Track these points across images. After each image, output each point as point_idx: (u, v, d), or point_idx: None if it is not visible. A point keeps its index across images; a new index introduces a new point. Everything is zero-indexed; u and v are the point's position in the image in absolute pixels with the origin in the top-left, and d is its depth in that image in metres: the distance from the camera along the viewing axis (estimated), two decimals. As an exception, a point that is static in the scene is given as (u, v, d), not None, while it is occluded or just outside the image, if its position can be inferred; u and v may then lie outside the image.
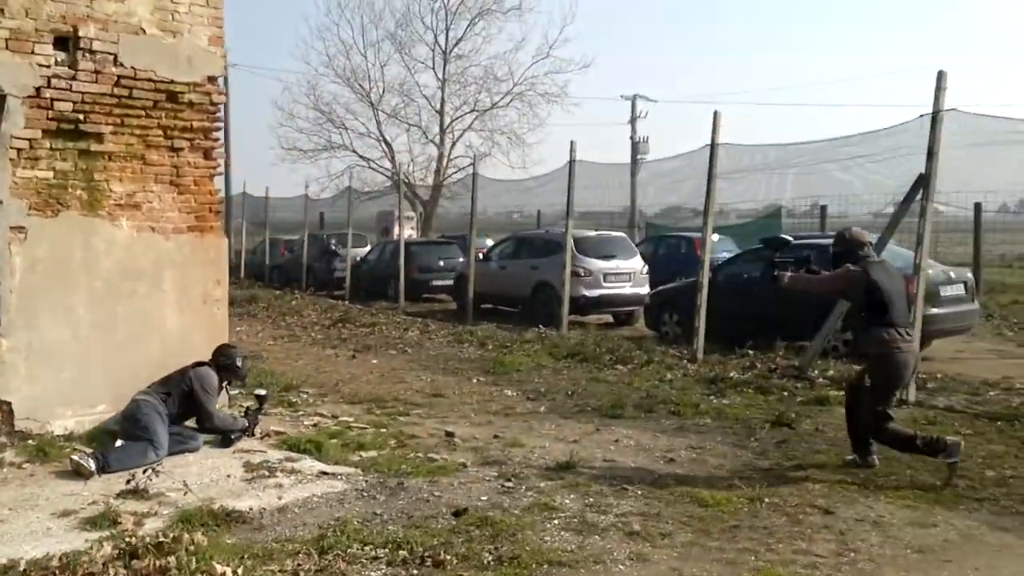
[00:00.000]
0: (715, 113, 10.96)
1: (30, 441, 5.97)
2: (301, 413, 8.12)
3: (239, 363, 6.73)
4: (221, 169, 7.08)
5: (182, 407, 6.32)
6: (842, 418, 7.77)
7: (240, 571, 3.95)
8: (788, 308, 11.27)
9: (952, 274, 11.98)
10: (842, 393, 8.73)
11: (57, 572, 3.94)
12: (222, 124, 7.10)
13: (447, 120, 37.18)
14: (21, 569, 3.98)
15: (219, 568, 3.92)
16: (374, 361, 11.68)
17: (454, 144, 37.32)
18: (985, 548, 4.76)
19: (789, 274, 6.18)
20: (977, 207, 18.91)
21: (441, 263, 21.56)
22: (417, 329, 14.86)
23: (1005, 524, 5.13)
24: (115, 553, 4.14)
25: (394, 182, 35.78)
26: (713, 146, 10.99)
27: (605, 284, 15.86)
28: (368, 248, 25.70)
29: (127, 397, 6.34)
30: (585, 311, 15.74)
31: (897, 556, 4.62)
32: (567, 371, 10.58)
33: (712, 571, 4.38)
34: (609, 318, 16.72)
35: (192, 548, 4.15)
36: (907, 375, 6.19)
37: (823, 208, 21.84)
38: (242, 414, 6.80)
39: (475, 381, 10.04)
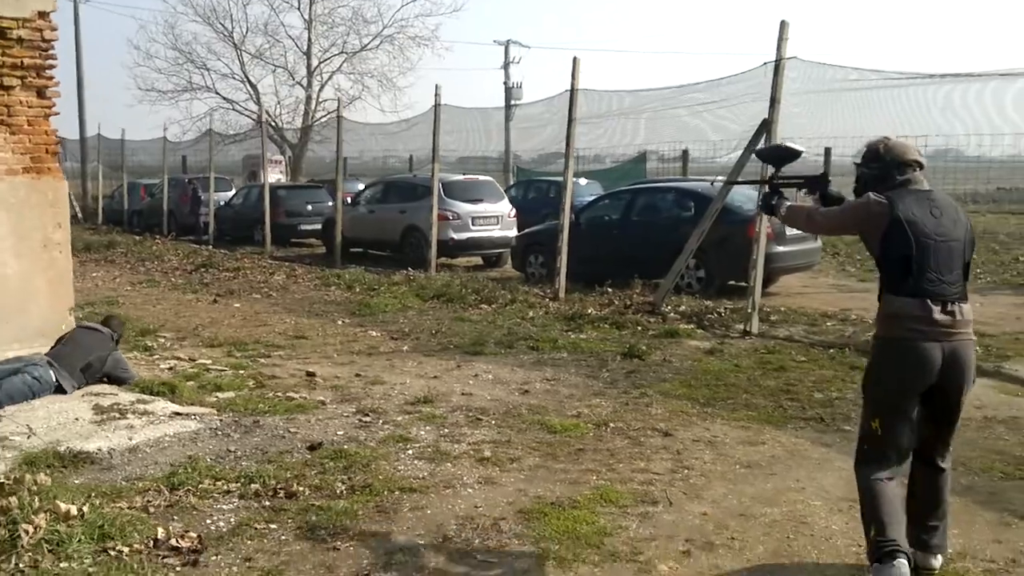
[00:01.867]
0: (574, 59, 11.17)
1: None
2: (157, 357, 7.99)
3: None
4: (58, 109, 6.76)
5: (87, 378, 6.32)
6: (690, 349, 8.31)
7: (87, 508, 3.95)
8: (645, 248, 11.81)
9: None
10: (692, 326, 9.31)
11: None
12: (56, 62, 6.74)
13: (315, 62, 36.17)
14: None
15: (63, 506, 3.90)
16: (237, 305, 11.51)
17: (322, 87, 36.42)
18: (807, 462, 5.22)
19: (789, 203, 4.06)
20: (827, 151, 20.02)
21: (309, 207, 21.24)
22: (283, 273, 14.68)
23: (827, 440, 5.62)
24: (-47, 497, 4.06)
25: (258, 124, 34.76)
26: (573, 91, 11.21)
27: (473, 227, 16.03)
28: (233, 192, 24.99)
29: (-35, 345, 6.10)
30: (454, 254, 15.91)
31: (727, 471, 5.02)
32: (432, 312, 10.74)
33: (555, 490, 4.65)
34: (479, 261, 16.94)
35: (35, 488, 4.12)
36: (926, 378, 3.51)
37: (685, 152, 22.60)
38: None
39: (340, 323, 10.07)
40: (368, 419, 5.98)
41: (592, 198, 16.22)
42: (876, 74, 11.78)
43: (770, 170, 4.34)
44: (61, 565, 3.56)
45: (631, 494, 4.61)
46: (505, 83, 43.10)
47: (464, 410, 6.25)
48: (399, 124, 21.19)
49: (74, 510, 3.91)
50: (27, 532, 3.68)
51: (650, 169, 24.52)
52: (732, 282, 11.56)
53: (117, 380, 6.47)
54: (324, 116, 35.62)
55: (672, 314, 9.81)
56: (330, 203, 20.96)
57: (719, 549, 3.97)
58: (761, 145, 4.61)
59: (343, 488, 4.60)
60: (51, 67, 6.74)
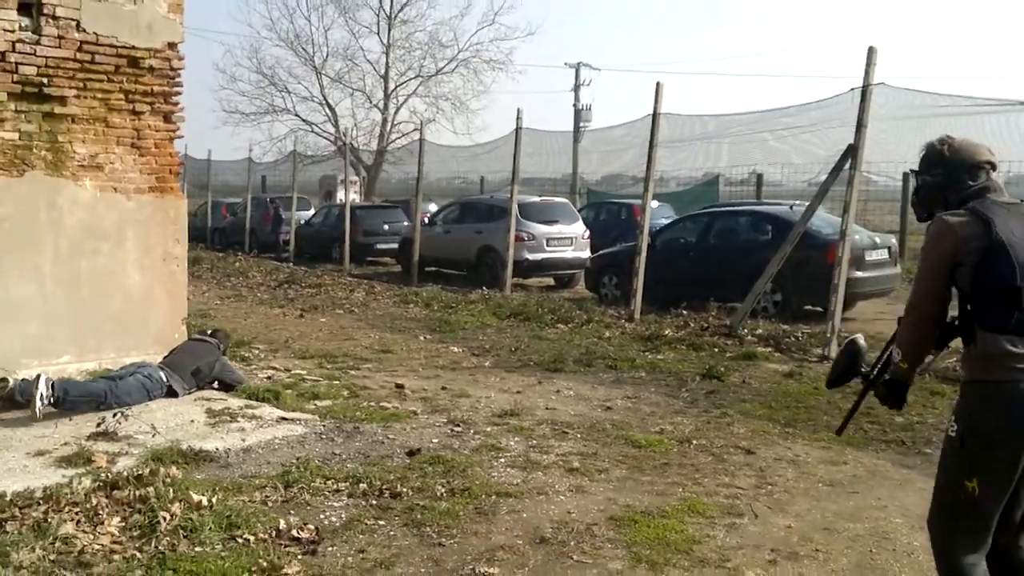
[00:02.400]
0: (657, 84, 11.42)
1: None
2: (254, 367, 8.42)
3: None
4: (181, 133, 7.31)
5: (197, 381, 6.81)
6: (768, 372, 8.44)
7: (215, 500, 4.32)
8: (721, 271, 11.95)
9: (877, 239, 12.70)
10: (769, 349, 9.42)
11: (41, 502, 4.26)
12: (181, 89, 7.29)
13: (391, 85, 37.18)
14: (8, 499, 4.29)
15: (196, 497, 4.28)
16: (322, 320, 11.99)
17: (398, 110, 37.40)
18: (889, 482, 5.34)
19: (891, 357, 3.12)
20: (905, 176, 19.86)
21: (386, 227, 21.82)
22: (363, 290, 15.16)
23: (908, 463, 5.72)
24: (95, 486, 4.47)
25: (338, 147, 35.76)
26: (655, 116, 11.45)
27: (547, 248, 16.32)
28: (312, 212, 25.78)
29: (91, 349, 6.64)
30: (528, 274, 16.21)
31: (810, 488, 5.18)
32: (510, 330, 11.03)
33: (644, 500, 4.87)
34: (551, 281, 17.21)
35: (168, 480, 4.51)
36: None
37: (759, 176, 22.58)
38: None
39: (422, 339, 10.43)
40: (459, 429, 6.28)
41: (666, 221, 16.37)
42: (966, 100, 11.76)
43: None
44: (196, 549, 3.91)
45: (717, 506, 4.80)
46: (575, 105, 43.43)
47: (550, 423, 6.50)
48: (481, 147, 21.62)
49: (204, 501, 4.28)
50: (165, 519, 4.06)
51: (722, 192, 24.57)
52: (808, 307, 11.61)
53: (227, 384, 6.91)
54: (399, 138, 36.58)
55: (749, 337, 9.93)
56: (406, 223, 21.57)
57: (804, 560, 4.15)
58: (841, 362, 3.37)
59: (443, 491, 4.90)
60: (177, 93, 7.28)
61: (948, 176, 3.02)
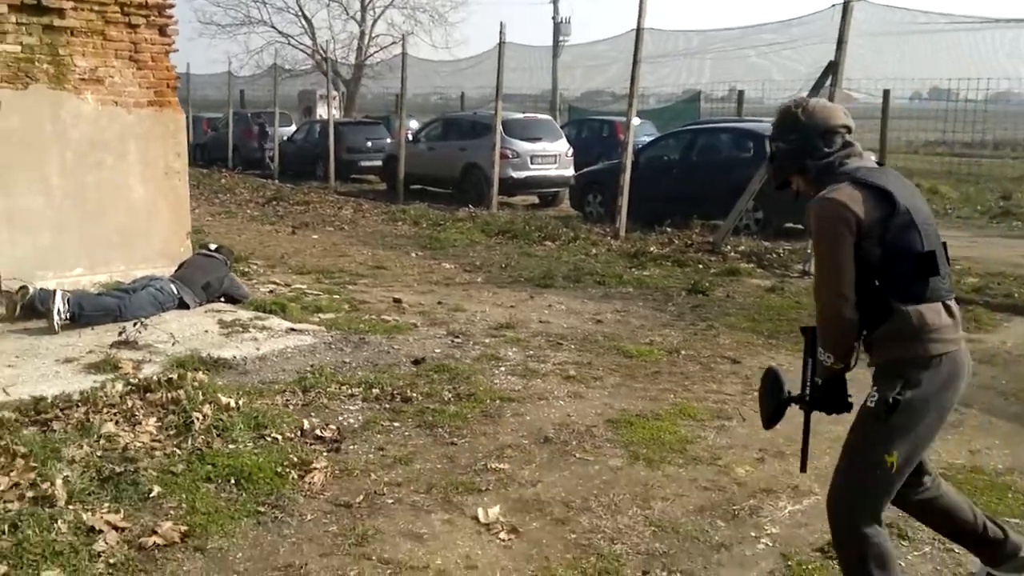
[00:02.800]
0: (641, -1, 11.42)
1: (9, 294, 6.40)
2: (255, 281, 8.63)
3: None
4: (176, 46, 7.33)
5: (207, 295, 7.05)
6: (751, 287, 8.79)
7: (241, 403, 4.61)
8: (704, 188, 12.18)
9: (860, 156, 12.91)
10: (752, 265, 9.76)
11: (79, 404, 4.53)
12: (175, 2, 7.30)
13: (368, -3, 36.33)
14: (49, 402, 4.55)
15: (224, 399, 4.57)
16: (314, 237, 12.16)
17: (375, 22, 36.65)
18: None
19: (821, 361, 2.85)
20: (885, 94, 19.95)
21: (369, 144, 21.73)
22: (351, 208, 15.29)
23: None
24: (128, 389, 4.74)
25: (316, 60, 35.19)
26: (639, 31, 11.48)
27: (532, 166, 16.43)
28: (293, 128, 25.55)
29: (100, 262, 6.86)
30: (512, 192, 16.34)
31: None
32: (499, 247, 11.28)
33: (638, 405, 5.22)
34: (535, 199, 17.38)
35: (196, 384, 4.79)
36: (953, 405, 2.80)
37: (740, 93, 22.64)
38: None
39: (413, 255, 10.66)
40: (459, 340, 6.58)
41: (648, 138, 16.50)
42: (944, 17, 11.92)
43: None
44: (229, 447, 4.21)
45: (707, 410, 5.16)
46: (554, 18, 42.64)
47: (544, 336, 6.81)
48: (467, 61, 21.47)
49: (232, 403, 4.57)
50: (198, 419, 4.34)
51: (703, 110, 24.63)
52: (790, 224, 11.92)
53: (233, 298, 7.14)
54: (377, 51, 36.02)
55: (732, 254, 10.26)
56: (389, 140, 21.53)
57: (789, 458, 4.51)
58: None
59: (450, 396, 5.22)
60: (171, 6, 7.29)
61: (804, 141, 2.84)
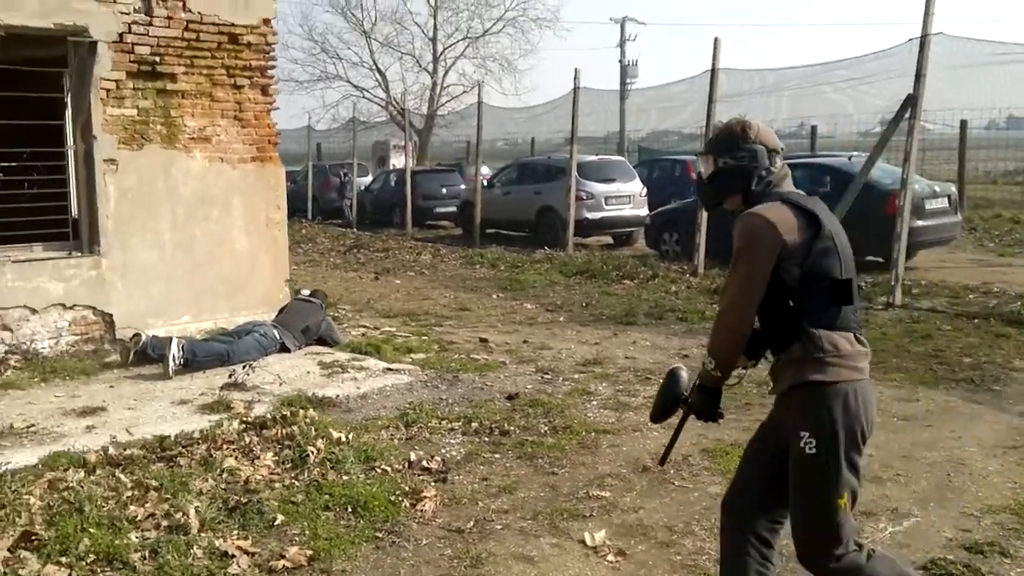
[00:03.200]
0: (715, 39, 11.62)
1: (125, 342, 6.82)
2: (345, 325, 8.95)
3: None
4: (277, 105, 7.80)
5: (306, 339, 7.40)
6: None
7: (350, 437, 4.85)
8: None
9: (937, 188, 12.80)
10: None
11: (200, 441, 4.83)
12: (276, 63, 7.78)
13: (439, 48, 37.42)
14: (172, 439, 4.86)
15: (335, 434, 4.82)
16: (397, 282, 12.52)
17: (447, 72, 37.68)
18: (961, 416, 5.69)
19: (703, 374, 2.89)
20: (963, 124, 19.73)
21: (444, 190, 22.24)
22: (429, 253, 15.68)
23: (978, 399, 6.06)
24: (243, 426, 5.03)
25: (390, 112, 36.24)
26: (714, 71, 11.67)
27: (606, 207, 16.62)
28: (369, 178, 26.31)
29: (207, 309, 7.28)
30: (587, 233, 16.52)
31: (886, 423, 5.55)
32: (578, 287, 11.46)
33: (732, 435, 5.29)
34: (609, 239, 17.54)
35: (308, 421, 5.05)
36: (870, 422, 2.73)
37: (813, 128, 22.54)
38: None
39: (495, 297, 10.90)
40: (548, 376, 6.75)
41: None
42: (1022, 47, 11.80)
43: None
44: (343, 478, 4.44)
45: (800, 439, 5.20)
46: (620, 61, 43.15)
47: (631, 371, 6.94)
48: (544, 107, 21.90)
49: (343, 437, 4.81)
50: (312, 453, 4.59)
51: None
52: (870, 257, 11.82)
53: (330, 342, 7.46)
54: (448, 101, 36.95)
55: (814, 288, 10.21)
56: (463, 186, 22.02)
57: (887, 483, 4.55)
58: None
59: (546, 428, 5.38)
60: (272, 67, 7.78)
61: (753, 160, 2.78)
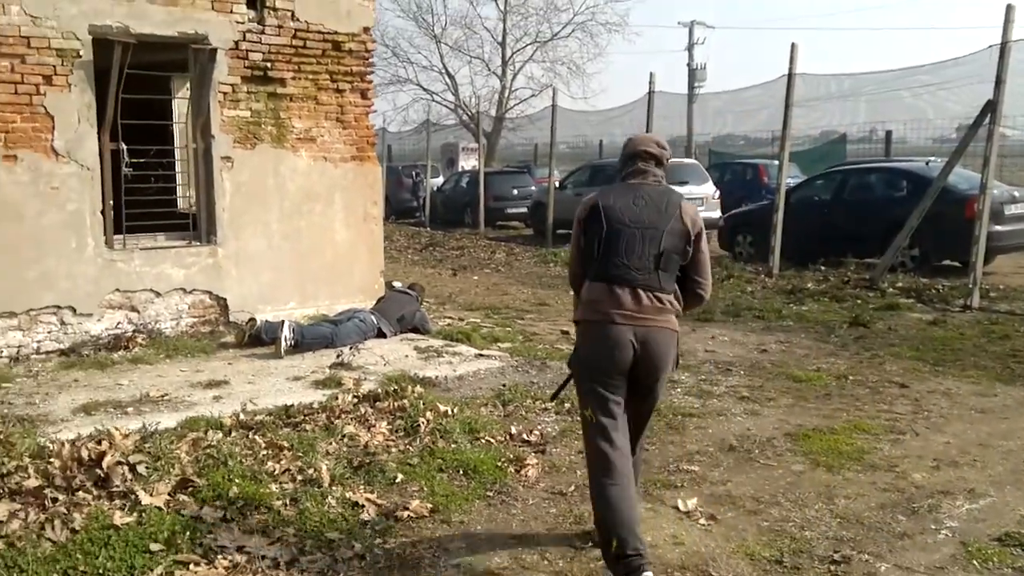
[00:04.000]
0: (792, 45, 11.82)
1: (240, 325, 7.38)
2: (432, 316, 9.37)
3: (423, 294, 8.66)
4: (375, 107, 8.28)
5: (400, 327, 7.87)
6: (912, 320, 8.92)
7: (456, 410, 5.27)
8: (858, 227, 12.31)
9: (1016, 193, 12.74)
10: (911, 300, 9.86)
11: (319, 411, 5.29)
12: (374, 69, 8.24)
13: (508, 52, 37.93)
14: (295, 408, 5.34)
15: (442, 407, 5.23)
16: (474, 278, 12.97)
17: (515, 76, 38.17)
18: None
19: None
20: (1043, 131, 19.51)
21: (515, 191, 22.70)
22: (503, 252, 16.12)
23: (1054, 396, 6.21)
24: (356, 400, 5.48)
25: (459, 116, 36.88)
26: (791, 76, 11.85)
27: (679, 209, 16.80)
28: (441, 179, 26.94)
29: (310, 296, 7.86)
30: (661, 235, 16.73)
31: (963, 414, 5.76)
32: (654, 285, 11.72)
33: (812, 421, 5.57)
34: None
35: (416, 395, 5.48)
36: (621, 362, 3.45)
37: (888, 133, 22.39)
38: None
39: (571, 294, 11.19)
40: (632, 366, 7.07)
41: (792, 180, 16.64)
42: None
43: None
44: (452, 446, 4.85)
45: (880, 427, 5.46)
46: (688, 64, 43.12)
47: (712, 363, 7.23)
48: (618, 110, 22.20)
49: (450, 410, 5.23)
50: (423, 423, 5.01)
51: (849, 151, 24.45)
52: (947, 262, 11.88)
53: (423, 331, 7.91)
54: (516, 104, 37.45)
55: (890, 290, 10.36)
56: (533, 187, 22.46)
57: (963, 467, 4.78)
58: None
59: (634, 411, 5.71)
60: (370, 72, 8.28)
61: (621, 164, 3.73)
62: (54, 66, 6.58)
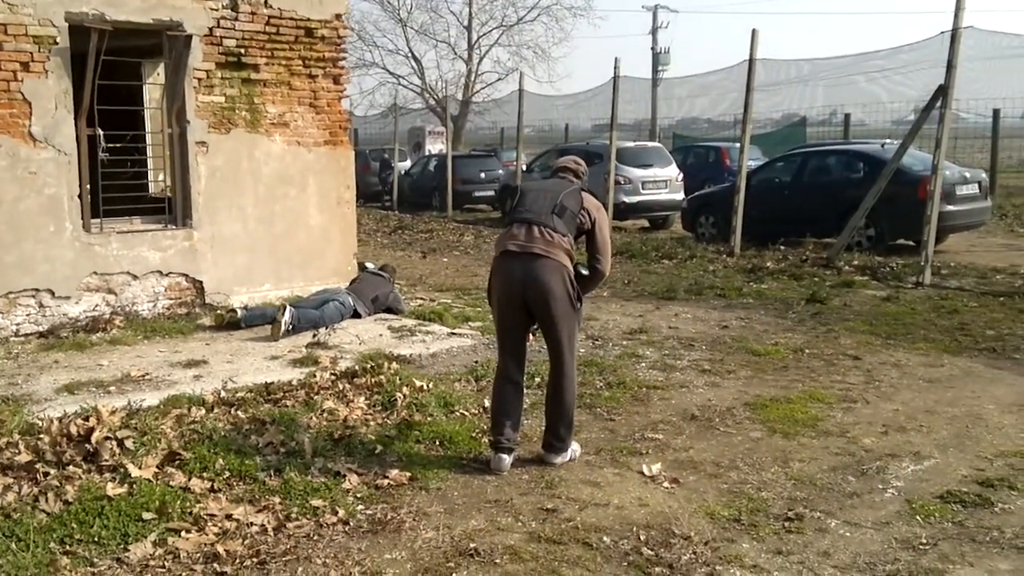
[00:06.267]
0: (753, 31, 12.09)
1: (218, 311, 7.53)
2: (404, 297, 9.57)
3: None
4: (347, 92, 8.43)
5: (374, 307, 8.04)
6: (866, 297, 9.27)
7: (431, 385, 5.48)
8: (816, 208, 12.68)
9: (967, 174, 13.19)
10: (866, 278, 10.23)
11: (299, 388, 5.48)
12: (347, 54, 8.38)
13: (474, 36, 37.96)
14: (275, 385, 5.52)
15: (418, 382, 5.45)
16: (444, 260, 13.16)
17: (481, 60, 38.23)
18: (982, 380, 6.20)
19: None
20: (995, 113, 20.02)
21: (482, 175, 22.85)
22: (471, 234, 16.31)
23: (999, 365, 6.57)
24: (334, 377, 5.67)
25: (426, 100, 36.89)
26: (751, 62, 12.14)
27: (643, 191, 17.15)
28: (408, 163, 26.99)
29: (285, 279, 8.02)
30: (625, 216, 17.06)
31: (912, 384, 6.09)
32: (619, 265, 11.98)
33: (770, 392, 5.86)
34: (646, 222, 18.05)
35: (392, 371, 5.69)
36: (503, 293, 4.43)
37: (847, 116, 22.88)
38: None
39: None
40: (599, 343, 7.34)
41: (754, 163, 16.98)
42: (1052, 39, 12.13)
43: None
44: (427, 419, 5.07)
45: (833, 396, 5.77)
46: (652, 48, 43.40)
47: (675, 339, 7.51)
48: (584, 94, 22.52)
49: (425, 385, 5.44)
50: (400, 398, 5.23)
51: (809, 134, 24.92)
52: (901, 241, 12.28)
53: (396, 311, 8.11)
54: (483, 88, 37.54)
55: (846, 268, 10.73)
56: (500, 171, 22.64)
57: (910, 432, 5.10)
58: None
59: (601, 384, 5.98)
60: (343, 58, 8.42)
61: (549, 173, 4.99)
62: (31, 53, 6.67)
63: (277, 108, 8.00)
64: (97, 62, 6.86)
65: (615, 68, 15.23)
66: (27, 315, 6.83)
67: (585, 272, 4.50)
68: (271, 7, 7.83)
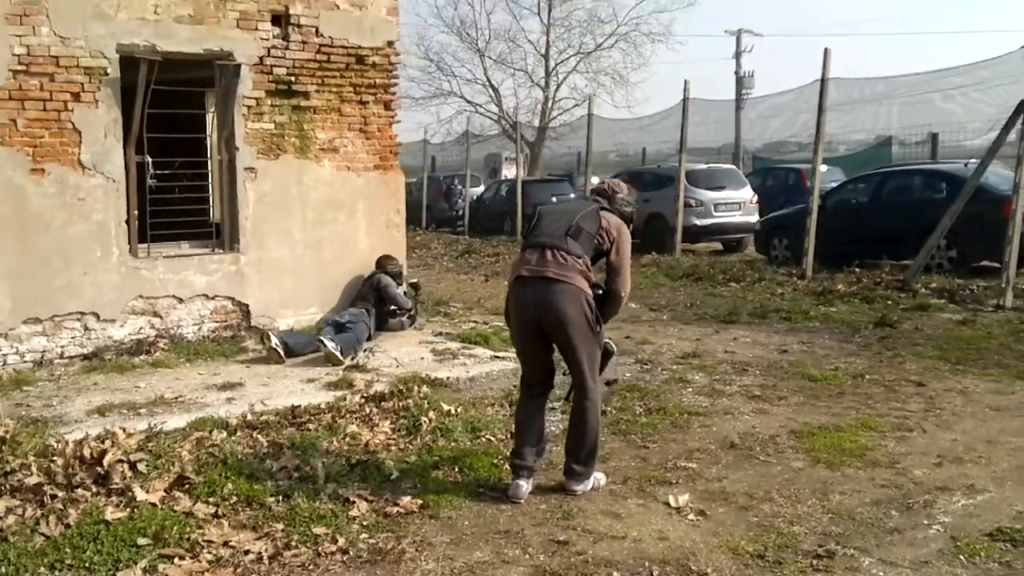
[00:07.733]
0: (825, 50, 11.68)
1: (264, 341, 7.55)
2: (457, 320, 9.52)
3: (398, 267, 8.62)
4: (399, 119, 8.47)
5: (378, 313, 7.91)
6: (940, 320, 8.76)
7: (459, 410, 5.34)
8: (894, 229, 12.11)
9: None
10: (943, 300, 9.68)
11: (326, 411, 5.41)
12: (398, 81, 8.43)
13: (552, 64, 37.98)
14: (302, 409, 5.46)
15: (446, 407, 5.32)
16: (505, 284, 13.01)
17: (559, 87, 38.16)
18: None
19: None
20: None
21: (554, 199, 22.69)
22: (540, 259, 16.13)
23: (1077, 395, 6.06)
24: (364, 400, 5.59)
25: (502, 126, 37.09)
26: (823, 81, 11.72)
27: (715, 213, 16.77)
28: (482, 188, 27.11)
29: (332, 303, 7.99)
30: (696, 239, 16.72)
31: (976, 412, 5.66)
32: (684, 288, 11.70)
33: (820, 419, 5.52)
34: (719, 246, 17.64)
35: (422, 395, 5.57)
36: (518, 319, 4.31)
37: (934, 136, 21.96)
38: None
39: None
40: (648, 367, 7.09)
41: (835, 184, 16.44)
42: None
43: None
44: (451, 444, 4.92)
45: (888, 424, 5.39)
46: (736, 72, 42.67)
47: (729, 363, 7.19)
48: (652, 117, 22.22)
49: (453, 410, 5.31)
50: (425, 422, 5.10)
51: (896, 154, 24.02)
52: (985, 262, 11.62)
53: (390, 302, 8.22)
54: (560, 114, 37.51)
55: (923, 291, 10.18)
56: (572, 195, 22.48)
57: (967, 463, 4.70)
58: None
59: (641, 410, 5.74)
60: (394, 85, 8.48)
61: None
62: (82, 83, 6.86)
63: (327, 134, 8.06)
64: (147, 91, 7.01)
65: (684, 91, 15.01)
66: (72, 338, 6.98)
67: (600, 292, 4.34)
68: (322, 36, 7.92)
